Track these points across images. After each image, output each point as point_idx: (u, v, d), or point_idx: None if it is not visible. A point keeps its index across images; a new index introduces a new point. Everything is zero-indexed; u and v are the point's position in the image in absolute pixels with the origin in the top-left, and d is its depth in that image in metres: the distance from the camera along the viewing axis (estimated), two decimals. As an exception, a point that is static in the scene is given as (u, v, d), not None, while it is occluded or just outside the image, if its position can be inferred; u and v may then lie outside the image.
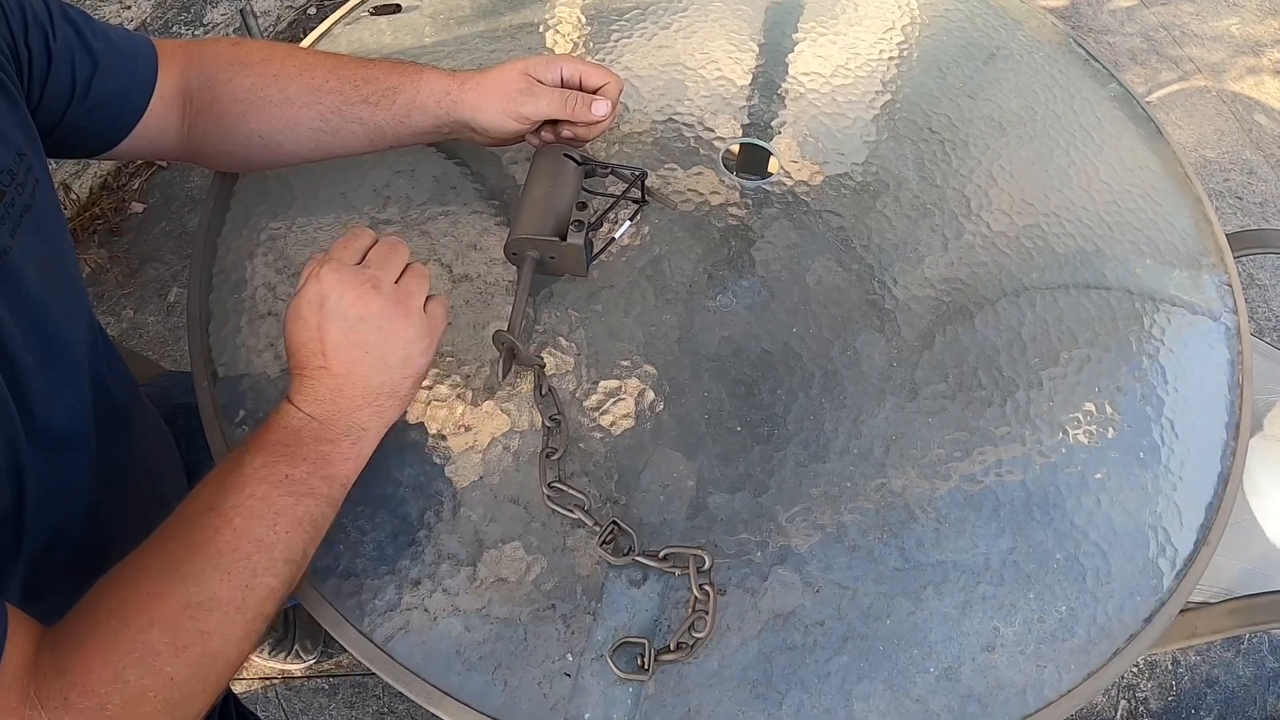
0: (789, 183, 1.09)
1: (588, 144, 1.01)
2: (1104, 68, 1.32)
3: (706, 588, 0.77)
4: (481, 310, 0.95)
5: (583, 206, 0.95)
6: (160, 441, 0.98)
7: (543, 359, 0.91)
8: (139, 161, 2.46)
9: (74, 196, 2.30)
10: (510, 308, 0.91)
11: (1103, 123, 1.24)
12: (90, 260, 2.26)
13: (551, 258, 0.93)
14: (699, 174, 1.09)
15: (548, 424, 0.86)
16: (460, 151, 1.08)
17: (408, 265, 0.80)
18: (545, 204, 0.93)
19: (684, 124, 1.14)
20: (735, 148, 1.13)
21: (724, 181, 1.09)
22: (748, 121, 1.15)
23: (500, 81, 0.91)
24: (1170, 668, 1.92)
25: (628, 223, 1.02)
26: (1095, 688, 0.80)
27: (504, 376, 0.88)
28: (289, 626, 1.74)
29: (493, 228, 1.01)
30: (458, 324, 0.94)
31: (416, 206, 1.03)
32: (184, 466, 1.03)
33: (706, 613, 0.76)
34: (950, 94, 1.23)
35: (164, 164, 2.48)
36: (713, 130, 1.14)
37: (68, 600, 0.78)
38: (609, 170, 1.00)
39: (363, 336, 0.74)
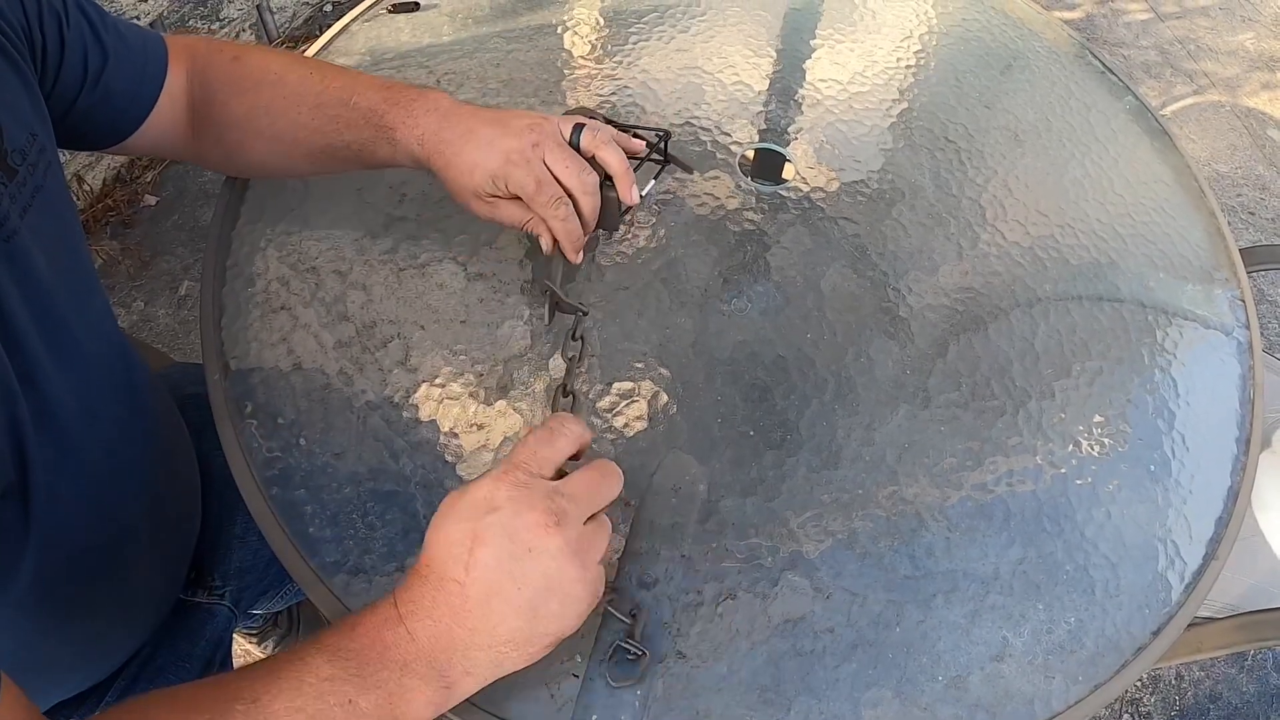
0: (805, 189, 1.09)
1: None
2: (1120, 80, 1.32)
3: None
4: (496, 309, 0.95)
5: None
6: (173, 428, 0.98)
7: (586, 307, 0.93)
8: (151, 155, 2.47)
9: (87, 188, 2.31)
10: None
11: (1118, 135, 1.24)
12: (102, 252, 2.28)
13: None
14: (715, 178, 1.09)
15: (566, 360, 0.89)
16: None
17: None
18: None
19: (700, 128, 1.14)
20: (751, 153, 1.13)
21: (740, 186, 1.09)
22: (764, 127, 1.16)
23: (470, 174, 0.85)
24: (1174, 682, 1.92)
25: (653, 181, 1.02)
26: (1102, 700, 0.79)
27: (549, 322, 0.93)
28: (293, 623, 1.75)
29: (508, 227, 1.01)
30: (471, 322, 0.94)
31: (433, 204, 1.03)
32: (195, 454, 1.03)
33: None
34: (967, 103, 1.23)
35: (176, 158, 2.49)
36: (729, 135, 1.14)
37: (77, 589, 0.79)
38: (632, 132, 1.00)
39: (523, 570, 0.62)
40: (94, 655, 0.88)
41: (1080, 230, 1.10)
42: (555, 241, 0.89)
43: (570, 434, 0.70)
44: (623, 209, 0.94)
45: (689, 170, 1.07)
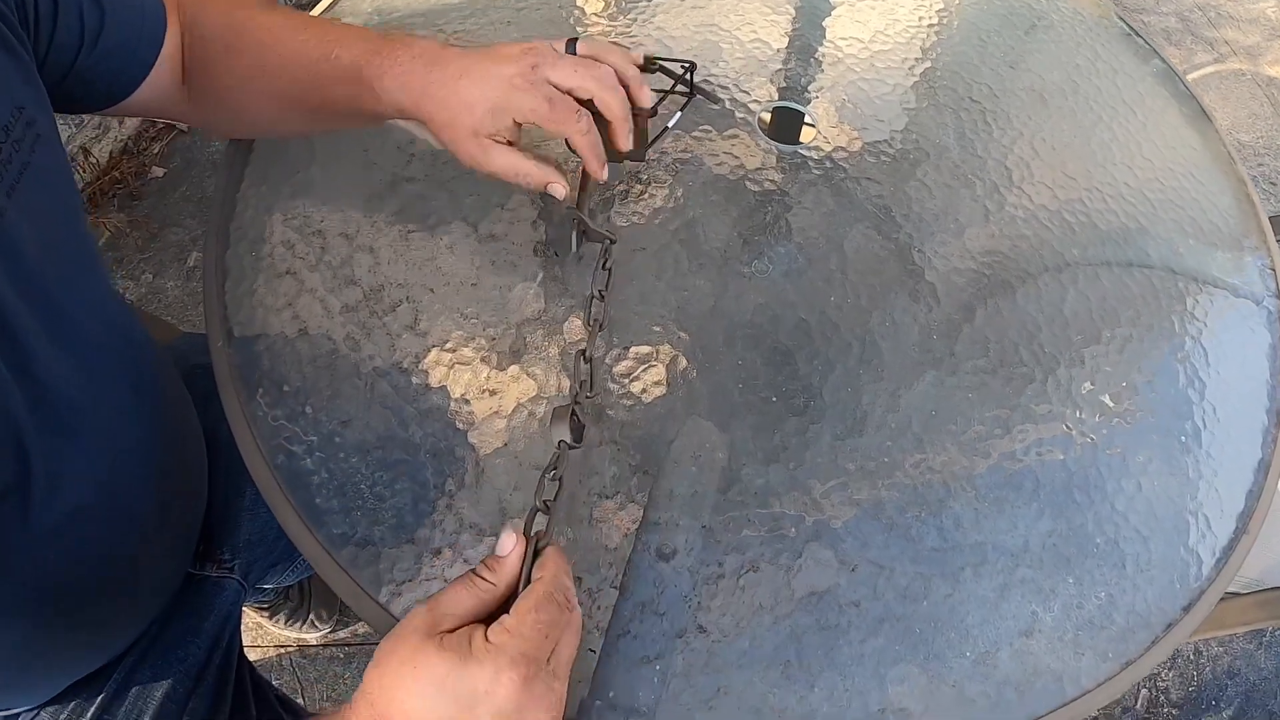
0: (826, 148, 1.06)
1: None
2: (1146, 43, 1.29)
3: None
4: (508, 271, 0.92)
5: None
6: (180, 405, 0.95)
7: (614, 235, 0.90)
8: (159, 125, 2.45)
9: (94, 160, 2.28)
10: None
11: (1145, 99, 1.21)
12: (110, 225, 2.26)
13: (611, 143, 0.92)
14: (734, 137, 1.06)
15: (595, 295, 0.85)
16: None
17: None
18: None
19: (719, 86, 1.11)
20: (771, 112, 1.10)
21: (760, 146, 1.05)
22: (784, 85, 1.12)
23: (470, 110, 0.79)
24: (1192, 658, 1.91)
25: (678, 113, 1.00)
26: (1132, 677, 0.77)
27: (577, 249, 0.90)
28: (304, 596, 1.74)
29: (519, 186, 0.98)
30: (483, 285, 0.91)
31: (442, 163, 1.00)
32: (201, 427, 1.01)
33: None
34: (991, 63, 1.20)
35: (184, 128, 2.47)
36: (748, 93, 1.10)
37: (81, 576, 0.76)
38: (656, 66, 0.98)
39: None
40: (101, 639, 0.86)
41: (1109, 194, 1.07)
42: (582, 173, 0.87)
43: (578, 623, 0.66)
44: (649, 138, 0.92)
45: (715, 101, 1.05)
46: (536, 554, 0.65)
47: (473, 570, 0.64)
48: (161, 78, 0.84)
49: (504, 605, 0.63)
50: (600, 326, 0.85)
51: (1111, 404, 0.90)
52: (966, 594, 0.78)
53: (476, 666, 0.57)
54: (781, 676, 0.72)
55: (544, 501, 0.70)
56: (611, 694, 0.70)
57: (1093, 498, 0.85)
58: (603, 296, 0.85)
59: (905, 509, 0.81)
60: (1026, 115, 1.14)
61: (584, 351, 0.82)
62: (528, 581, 0.64)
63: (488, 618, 0.62)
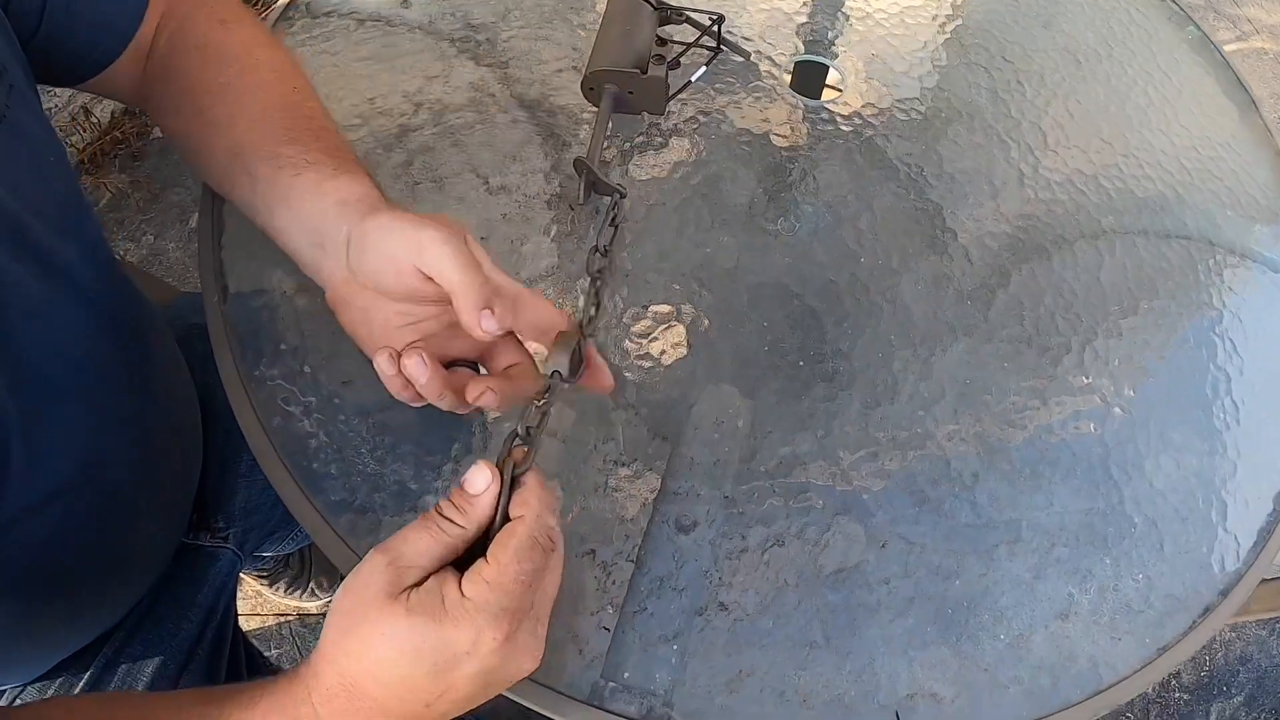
0: (855, 105, 1.03)
1: None
2: (1180, 9, 1.25)
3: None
4: (520, 224, 0.88)
5: (662, 43, 0.97)
6: (174, 368, 0.91)
7: (624, 188, 0.85)
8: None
9: (95, 120, 2.26)
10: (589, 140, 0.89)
11: (1180, 65, 1.17)
12: (111, 185, 2.23)
13: (630, 92, 0.91)
14: (759, 92, 1.02)
15: (598, 250, 0.76)
16: (498, 57, 1.01)
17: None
18: (623, 42, 0.92)
19: (743, 38, 1.07)
20: (798, 66, 1.06)
21: (786, 100, 1.02)
22: (811, 38, 1.09)
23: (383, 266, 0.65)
24: (1204, 643, 1.88)
25: (703, 67, 0.99)
26: (1169, 664, 0.74)
27: (584, 201, 0.88)
28: (305, 564, 1.72)
29: (532, 137, 0.95)
30: (493, 238, 0.87)
31: (451, 113, 0.95)
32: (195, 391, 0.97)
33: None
34: (1024, 22, 1.16)
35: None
36: (774, 46, 1.07)
37: (67, 554, 0.73)
38: (684, 17, 0.97)
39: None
40: (89, 615, 0.84)
41: (1145, 161, 1.04)
42: (598, 118, 0.84)
43: (560, 558, 0.59)
44: (669, 92, 0.90)
45: (744, 56, 1.03)
46: (514, 482, 0.57)
47: (437, 509, 0.56)
48: (131, 63, 0.77)
49: (475, 541, 0.56)
50: (602, 276, 0.77)
51: (1150, 378, 0.87)
52: (1001, 574, 0.74)
53: (454, 628, 0.51)
54: (807, 658, 0.69)
55: (526, 428, 0.59)
56: (626, 675, 0.67)
57: (1130, 475, 0.81)
58: (605, 253, 0.76)
59: (938, 482, 0.77)
60: (1060, 77, 1.10)
61: (594, 279, 0.73)
62: (504, 518, 0.56)
63: (458, 559, 0.56)
